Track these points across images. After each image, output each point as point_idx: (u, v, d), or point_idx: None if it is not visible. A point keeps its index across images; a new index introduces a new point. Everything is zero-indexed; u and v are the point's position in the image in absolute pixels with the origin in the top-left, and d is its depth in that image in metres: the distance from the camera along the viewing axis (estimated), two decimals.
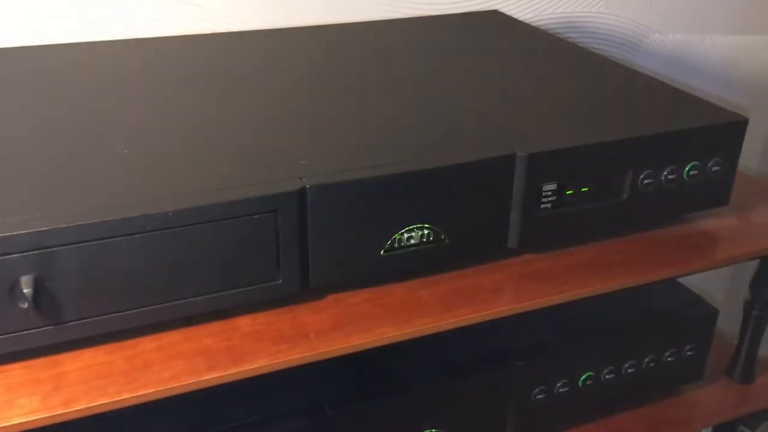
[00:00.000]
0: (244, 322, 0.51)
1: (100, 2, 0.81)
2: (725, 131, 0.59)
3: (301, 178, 0.48)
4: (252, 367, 0.46)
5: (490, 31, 0.85)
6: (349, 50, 0.77)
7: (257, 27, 0.88)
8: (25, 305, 0.42)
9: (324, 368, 0.51)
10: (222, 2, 0.86)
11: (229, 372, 0.46)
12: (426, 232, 0.53)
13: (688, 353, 0.70)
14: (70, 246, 0.43)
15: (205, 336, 0.49)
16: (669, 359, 0.69)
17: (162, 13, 0.84)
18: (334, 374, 0.60)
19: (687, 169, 0.59)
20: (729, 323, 0.84)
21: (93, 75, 0.67)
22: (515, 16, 0.96)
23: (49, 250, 0.42)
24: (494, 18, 0.91)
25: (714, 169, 0.60)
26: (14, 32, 0.80)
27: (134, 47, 0.75)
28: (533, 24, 0.97)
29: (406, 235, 0.52)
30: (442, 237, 0.53)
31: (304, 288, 0.51)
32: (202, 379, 0.45)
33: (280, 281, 0.50)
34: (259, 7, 0.88)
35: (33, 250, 0.42)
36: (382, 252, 0.52)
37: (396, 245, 0.52)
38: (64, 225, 0.42)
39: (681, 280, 0.74)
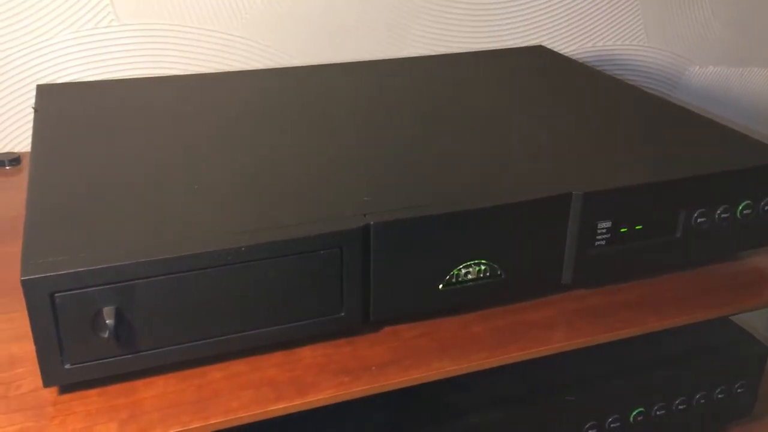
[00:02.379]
0: (306, 354, 0.52)
1: (154, 38, 0.84)
2: None
3: (365, 215, 0.50)
4: (318, 398, 0.48)
5: (536, 67, 0.87)
6: (401, 86, 0.78)
7: (309, 62, 0.91)
8: (106, 334, 0.44)
9: (373, 399, 0.51)
10: (276, 38, 0.89)
11: (296, 402, 0.47)
12: (483, 267, 0.54)
13: (739, 390, 0.70)
14: (149, 279, 0.45)
15: (270, 366, 0.51)
16: (719, 396, 0.69)
17: (218, 48, 0.87)
18: (384, 406, 0.61)
19: (740, 208, 0.59)
20: None
21: (154, 110, 0.69)
22: (557, 50, 0.97)
23: (129, 283, 0.45)
24: (539, 53, 0.92)
25: (767, 208, 0.60)
26: (88, 68, 0.83)
27: (195, 83, 0.78)
28: (575, 58, 0.99)
29: (463, 271, 0.53)
30: (499, 273, 0.55)
31: (365, 321, 0.52)
32: (269, 409, 0.47)
33: (343, 314, 0.51)
34: (310, 43, 0.91)
35: (115, 283, 0.44)
36: (440, 286, 0.53)
37: (454, 280, 0.53)
38: (145, 259, 0.44)
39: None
